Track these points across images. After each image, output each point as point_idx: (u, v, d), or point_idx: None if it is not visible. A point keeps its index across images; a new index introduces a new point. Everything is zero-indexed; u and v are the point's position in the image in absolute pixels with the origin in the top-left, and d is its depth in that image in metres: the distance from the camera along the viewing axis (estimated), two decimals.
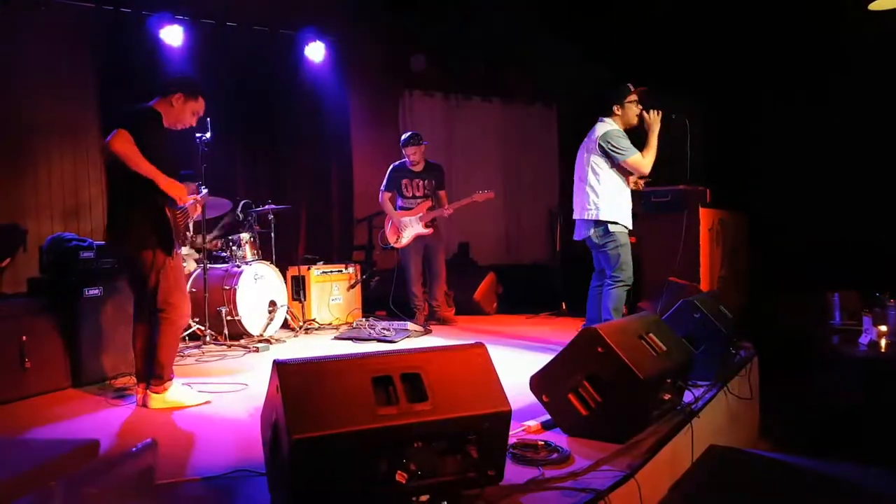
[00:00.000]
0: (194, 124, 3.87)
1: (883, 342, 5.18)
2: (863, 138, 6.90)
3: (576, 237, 4.83)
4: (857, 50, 6.72)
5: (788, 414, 4.64)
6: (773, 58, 7.23)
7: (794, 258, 6.88)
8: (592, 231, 4.64)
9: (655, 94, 4.78)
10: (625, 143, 4.57)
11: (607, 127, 4.64)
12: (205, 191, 4.42)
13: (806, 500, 3.09)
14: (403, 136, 6.42)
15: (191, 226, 5.51)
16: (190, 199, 3.75)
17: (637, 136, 4.71)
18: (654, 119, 4.63)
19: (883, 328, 5.26)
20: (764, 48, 7.21)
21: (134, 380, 3.88)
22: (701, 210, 5.59)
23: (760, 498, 3.05)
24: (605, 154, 4.60)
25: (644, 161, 4.55)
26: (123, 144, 3.41)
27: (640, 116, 4.68)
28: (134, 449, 1.44)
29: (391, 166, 6.47)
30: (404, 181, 6.38)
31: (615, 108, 4.68)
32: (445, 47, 8.10)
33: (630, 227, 4.69)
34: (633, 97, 4.68)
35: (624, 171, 4.64)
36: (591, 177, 4.65)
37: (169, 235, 3.59)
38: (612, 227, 4.58)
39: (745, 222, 6.84)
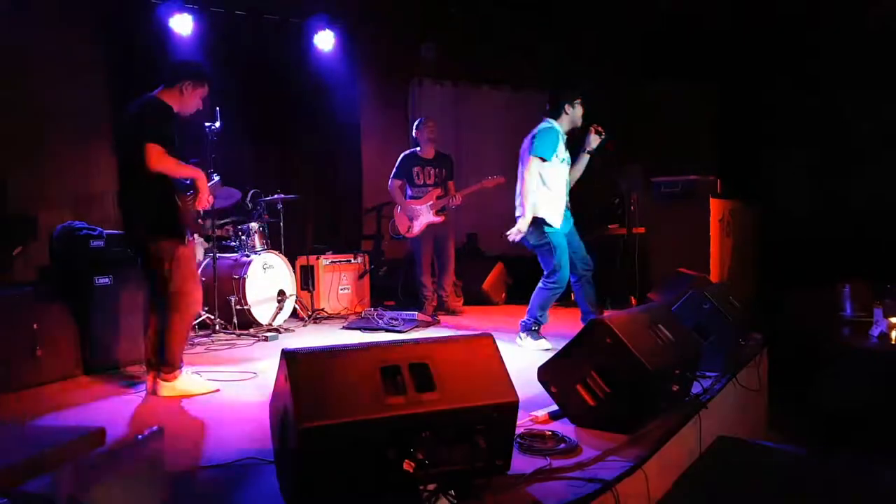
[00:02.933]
0: (201, 108, 3.86)
1: (894, 334, 5.14)
2: (873, 129, 6.83)
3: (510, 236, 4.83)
4: (871, 40, 6.66)
5: (797, 405, 4.62)
6: (786, 49, 7.17)
7: (804, 249, 6.84)
8: (528, 231, 4.67)
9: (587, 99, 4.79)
10: (547, 141, 4.60)
11: (544, 125, 4.69)
12: (216, 178, 4.43)
13: (814, 491, 3.08)
14: (417, 121, 6.47)
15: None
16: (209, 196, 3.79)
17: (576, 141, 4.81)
18: (593, 139, 4.70)
19: (894, 320, 5.22)
20: (776, 40, 7.15)
21: (144, 368, 3.90)
22: (711, 201, 5.56)
23: (769, 489, 3.04)
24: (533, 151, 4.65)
25: (553, 171, 4.59)
26: (160, 161, 3.47)
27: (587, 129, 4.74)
28: (141, 436, 1.45)
29: (402, 155, 6.46)
30: (416, 168, 6.37)
31: (566, 107, 4.69)
32: (455, 35, 8.06)
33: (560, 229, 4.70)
34: (580, 99, 4.71)
35: (555, 172, 4.66)
36: (525, 176, 4.67)
37: (181, 223, 3.60)
38: (547, 228, 4.63)
39: (756, 213, 6.80)
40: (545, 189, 4.64)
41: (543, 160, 4.60)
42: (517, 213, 4.73)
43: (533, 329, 4.73)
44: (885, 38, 6.48)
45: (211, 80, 3.83)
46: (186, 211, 3.64)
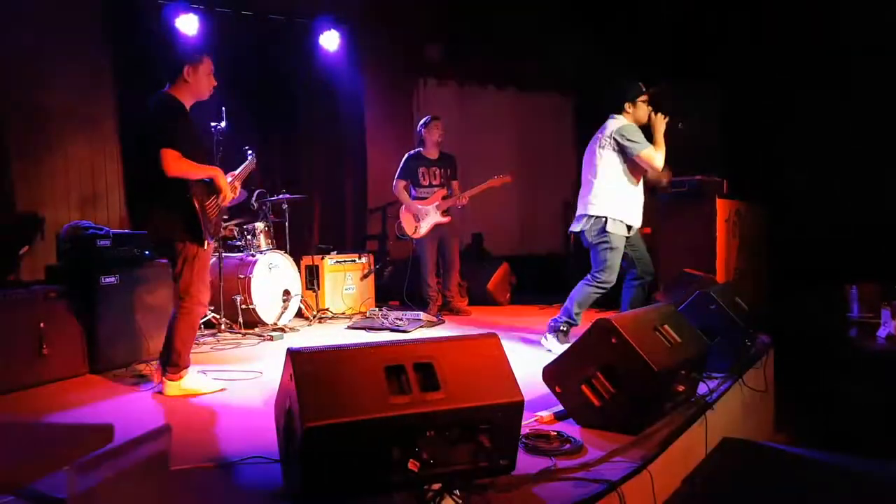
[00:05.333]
0: (215, 84, 3.78)
1: None
2: (881, 127, 6.80)
3: (571, 228, 4.76)
4: (880, 37, 6.62)
5: (804, 407, 4.60)
6: (792, 46, 7.14)
7: (811, 249, 6.81)
8: (589, 225, 4.56)
9: (669, 93, 4.67)
10: (639, 136, 4.51)
11: (621, 122, 4.57)
12: (251, 156, 4.47)
13: (820, 493, 3.07)
14: (424, 119, 6.43)
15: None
16: (234, 190, 3.80)
17: (645, 134, 4.66)
18: (660, 120, 4.53)
19: None
20: (783, 37, 7.12)
21: (149, 366, 3.91)
22: (718, 201, 5.54)
23: (774, 491, 3.03)
24: (619, 149, 4.51)
25: (656, 156, 4.45)
26: (176, 166, 3.45)
27: (649, 116, 4.60)
28: (148, 434, 1.45)
29: (406, 155, 6.45)
30: (421, 169, 6.36)
31: (627, 105, 4.59)
32: (460, 36, 8.07)
33: (630, 230, 4.58)
34: (645, 97, 4.60)
35: (634, 171, 4.56)
36: (599, 172, 4.58)
37: (199, 225, 3.58)
38: (609, 226, 4.49)
39: (763, 213, 6.78)
40: (629, 188, 4.55)
41: (629, 152, 4.47)
42: (580, 212, 4.64)
43: (561, 329, 4.59)
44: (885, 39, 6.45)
45: (207, 52, 3.78)
46: (210, 213, 3.63)
